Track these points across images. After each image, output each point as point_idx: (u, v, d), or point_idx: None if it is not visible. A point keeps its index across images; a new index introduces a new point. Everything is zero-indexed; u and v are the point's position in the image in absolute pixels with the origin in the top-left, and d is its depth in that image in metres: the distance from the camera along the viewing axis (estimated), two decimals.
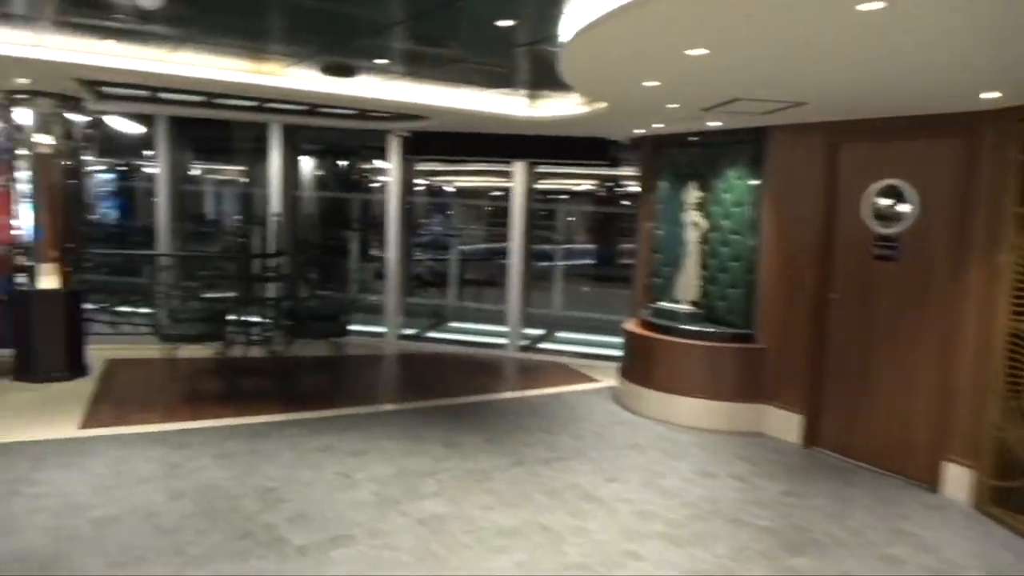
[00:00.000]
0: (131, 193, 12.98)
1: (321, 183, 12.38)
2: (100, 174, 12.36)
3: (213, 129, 10.67)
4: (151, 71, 5.70)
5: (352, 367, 8.34)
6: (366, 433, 6.09)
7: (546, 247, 11.28)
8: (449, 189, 14.86)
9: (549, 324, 10.46)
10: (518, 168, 9.29)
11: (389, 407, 7.09)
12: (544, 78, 6.19)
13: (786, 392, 6.50)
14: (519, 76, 6.07)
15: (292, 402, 6.89)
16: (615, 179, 15.53)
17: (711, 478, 5.49)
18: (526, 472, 5.40)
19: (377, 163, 12.04)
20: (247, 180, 12.40)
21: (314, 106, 7.62)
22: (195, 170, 11.96)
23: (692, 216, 7.24)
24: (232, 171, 12.95)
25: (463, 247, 12.51)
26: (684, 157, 7.47)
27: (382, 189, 10.80)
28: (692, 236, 7.25)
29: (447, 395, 7.49)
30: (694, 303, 7.21)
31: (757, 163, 6.75)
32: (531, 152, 9.05)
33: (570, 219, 13.58)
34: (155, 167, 9.87)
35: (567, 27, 3.88)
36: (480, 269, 12.81)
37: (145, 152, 11.11)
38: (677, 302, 7.31)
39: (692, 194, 7.25)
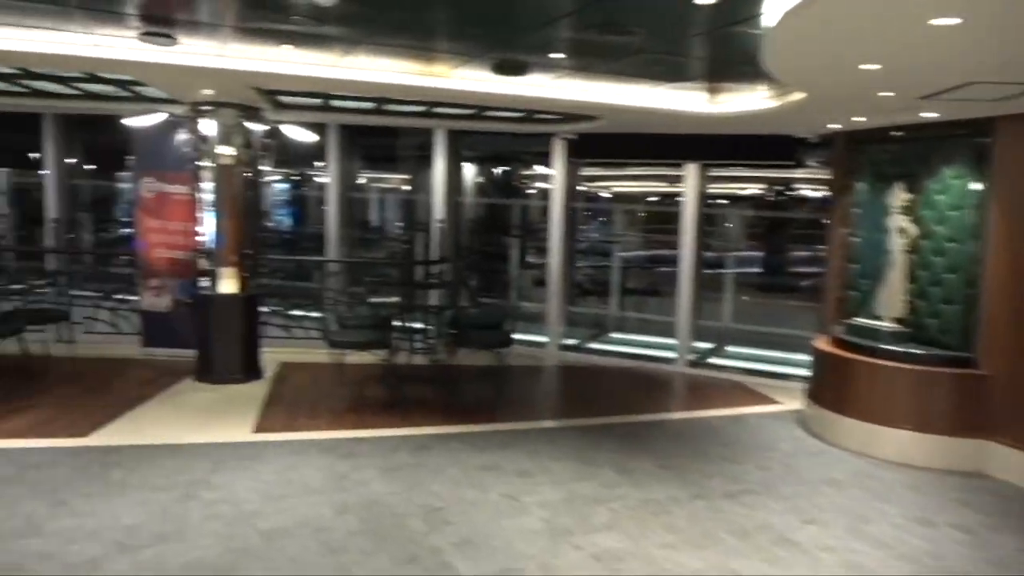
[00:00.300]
0: (303, 201, 13.54)
1: (480, 189, 12.32)
2: (276, 183, 12.96)
3: (379, 137, 10.87)
4: (325, 76, 5.71)
5: (514, 378, 8.06)
6: (531, 451, 5.76)
7: (709, 255, 10.56)
8: (605, 194, 14.43)
9: (718, 337, 9.74)
10: (690, 170, 8.69)
11: (553, 423, 6.74)
12: (730, 68, 5.63)
13: (1017, 427, 5.53)
14: (703, 67, 5.53)
15: (455, 414, 6.70)
16: (785, 181, 14.47)
17: (929, 527, 4.70)
18: (709, 507, 4.85)
19: (537, 169, 11.83)
20: (409, 187, 12.57)
21: (481, 109, 7.44)
22: (360, 178, 12.25)
23: (898, 221, 6.39)
24: (395, 179, 13.19)
25: (623, 254, 12.00)
26: (886, 154, 6.63)
27: (539, 195, 10.59)
28: (897, 244, 6.40)
29: (614, 413, 7.03)
30: (898, 320, 6.36)
31: (981, 159, 5.83)
32: (706, 153, 8.42)
33: (728, 225, 12.76)
34: (326, 176, 10.13)
35: (775, 4, 3.35)
36: (640, 277, 12.27)
37: (316, 162, 11.51)
38: (878, 318, 6.47)
39: (897, 196, 6.41)
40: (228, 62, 5.54)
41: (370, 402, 7.00)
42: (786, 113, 6.14)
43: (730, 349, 9.54)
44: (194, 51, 5.37)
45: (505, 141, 10.99)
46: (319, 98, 7.33)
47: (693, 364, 8.95)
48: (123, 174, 11.12)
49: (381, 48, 5.28)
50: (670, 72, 5.71)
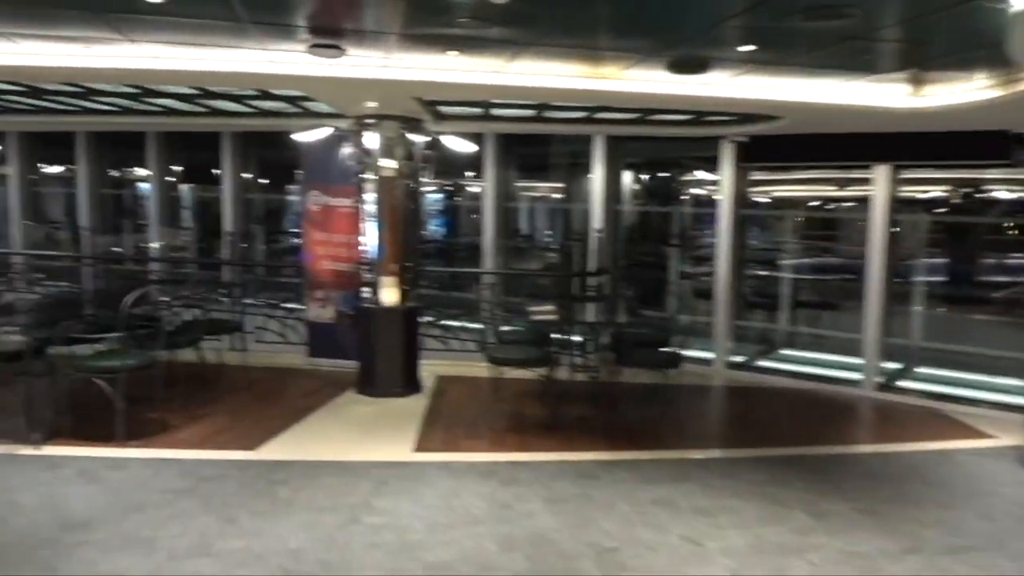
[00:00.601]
0: (455, 210, 13.60)
1: (637, 197, 11.84)
2: (431, 193, 13.07)
3: (533, 146, 10.66)
4: (490, 83, 5.49)
5: (680, 399, 7.50)
6: (707, 486, 5.23)
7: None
8: (761, 199, 13.52)
9: (905, 355, 8.71)
10: (880, 173, 7.81)
11: (728, 453, 6.15)
12: (948, 55, 4.87)
13: None
14: (915, 54, 4.82)
15: (619, 438, 6.27)
16: (975, 183, 12.99)
17: None
18: (927, 565, 4.15)
19: (697, 174, 11.22)
20: (562, 196, 12.29)
21: (645, 112, 6.99)
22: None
23: None
24: (544, 187, 12.96)
25: (791, 262, 11.09)
26: None
27: (692, 201, 10.01)
28: None
29: (797, 443, 6.35)
30: None
31: None
32: (900, 153, 7.51)
33: (895, 230, 11.53)
34: (481, 185, 10.03)
35: None
36: (810, 288, 11.30)
37: (467, 172, 11.48)
38: None
39: None
40: (393, 72, 5.45)
41: (530, 421, 6.72)
42: (1011, 105, 5.29)
43: (921, 370, 8.52)
44: (359, 63, 5.30)
45: (665, 146, 10.48)
46: (479, 107, 7.15)
47: (882, 387, 8.03)
48: (292, 187, 11.57)
49: (548, 50, 4.97)
50: (871, 62, 5.02)
